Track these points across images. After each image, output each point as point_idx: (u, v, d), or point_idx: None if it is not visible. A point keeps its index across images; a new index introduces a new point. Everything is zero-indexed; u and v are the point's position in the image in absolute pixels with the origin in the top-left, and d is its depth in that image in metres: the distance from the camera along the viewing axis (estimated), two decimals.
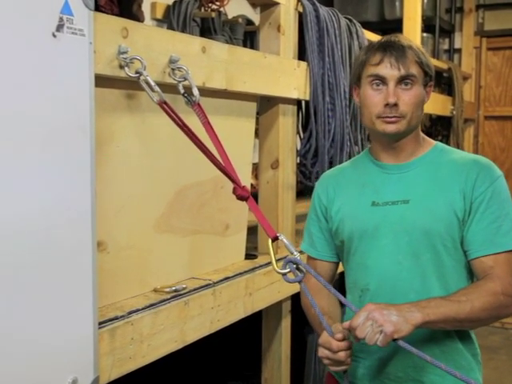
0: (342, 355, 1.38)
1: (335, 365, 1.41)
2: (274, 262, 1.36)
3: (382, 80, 1.50)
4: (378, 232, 1.54)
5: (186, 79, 1.62)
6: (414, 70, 1.51)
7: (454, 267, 1.52)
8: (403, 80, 1.50)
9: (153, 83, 1.50)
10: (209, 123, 1.56)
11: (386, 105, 1.49)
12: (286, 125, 2.36)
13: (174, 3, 3.08)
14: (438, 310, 1.37)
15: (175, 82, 1.62)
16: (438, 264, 1.51)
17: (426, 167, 1.56)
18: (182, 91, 1.60)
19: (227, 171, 1.51)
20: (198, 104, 1.58)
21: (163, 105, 1.52)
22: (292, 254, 1.35)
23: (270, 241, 1.41)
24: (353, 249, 1.59)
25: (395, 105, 1.49)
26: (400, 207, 1.53)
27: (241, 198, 1.51)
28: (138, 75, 1.50)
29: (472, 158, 1.57)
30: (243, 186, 1.51)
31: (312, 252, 1.70)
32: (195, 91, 1.58)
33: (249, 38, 3.36)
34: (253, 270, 2.11)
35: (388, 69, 1.49)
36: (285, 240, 1.38)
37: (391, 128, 1.50)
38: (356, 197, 1.60)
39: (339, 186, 1.66)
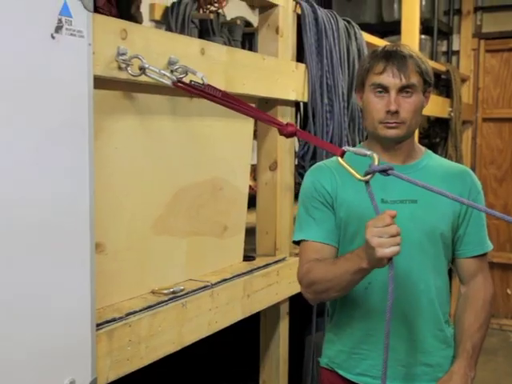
0: (395, 227, 1.36)
1: (387, 244, 1.36)
2: (354, 173, 1.40)
3: (385, 88, 1.61)
4: None
5: (186, 73, 1.61)
6: (415, 79, 1.62)
7: (443, 263, 1.70)
8: (404, 89, 1.60)
9: (157, 70, 1.53)
10: (226, 93, 1.58)
11: (388, 112, 1.60)
12: None
13: (173, 4, 3.08)
14: (477, 350, 1.66)
15: (176, 80, 1.61)
16: (437, 259, 1.67)
17: (426, 170, 1.69)
18: (187, 81, 1.60)
19: (268, 118, 1.61)
20: (209, 84, 1.58)
21: (178, 84, 1.55)
22: (366, 155, 1.40)
23: (339, 159, 1.45)
24: (360, 240, 1.59)
25: (396, 112, 1.60)
26: (409, 206, 1.63)
27: (290, 134, 1.55)
28: (141, 71, 1.51)
29: (462, 168, 1.77)
30: (287, 123, 1.56)
31: (320, 237, 1.67)
32: (199, 74, 1.58)
33: (247, 39, 3.37)
34: (251, 271, 2.11)
35: (390, 78, 1.60)
36: (352, 148, 1.45)
37: (391, 132, 1.62)
38: (363, 193, 1.59)
39: (342, 179, 1.66)
